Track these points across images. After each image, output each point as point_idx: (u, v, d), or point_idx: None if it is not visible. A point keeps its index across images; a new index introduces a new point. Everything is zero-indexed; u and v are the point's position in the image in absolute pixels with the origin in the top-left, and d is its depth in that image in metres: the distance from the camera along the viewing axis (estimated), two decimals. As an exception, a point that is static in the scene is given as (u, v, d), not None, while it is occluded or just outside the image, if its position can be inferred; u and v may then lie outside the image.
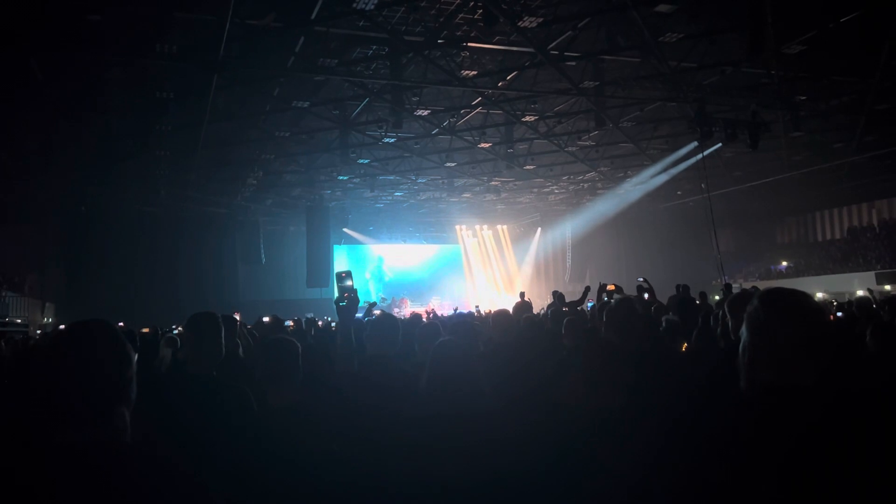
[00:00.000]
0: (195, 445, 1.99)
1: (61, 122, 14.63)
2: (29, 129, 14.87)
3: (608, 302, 3.84)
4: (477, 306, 22.26)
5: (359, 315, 6.65)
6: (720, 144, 17.05)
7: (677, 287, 10.00)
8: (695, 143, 17.23)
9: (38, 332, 18.25)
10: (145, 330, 8.36)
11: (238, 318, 6.20)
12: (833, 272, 26.71)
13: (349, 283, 3.08)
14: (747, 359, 1.71)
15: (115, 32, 10.70)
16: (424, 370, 2.59)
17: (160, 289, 23.67)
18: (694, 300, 9.48)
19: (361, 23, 11.59)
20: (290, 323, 10.00)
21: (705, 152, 16.76)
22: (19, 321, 19.44)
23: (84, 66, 11.90)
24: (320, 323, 11.93)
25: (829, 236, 31.04)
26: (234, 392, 2.73)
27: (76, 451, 1.40)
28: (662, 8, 11.09)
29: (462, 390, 2.43)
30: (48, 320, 22.89)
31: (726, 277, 17.98)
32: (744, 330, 1.74)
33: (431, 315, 13.75)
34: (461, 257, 34.77)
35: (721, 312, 4.04)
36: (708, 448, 1.68)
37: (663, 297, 8.66)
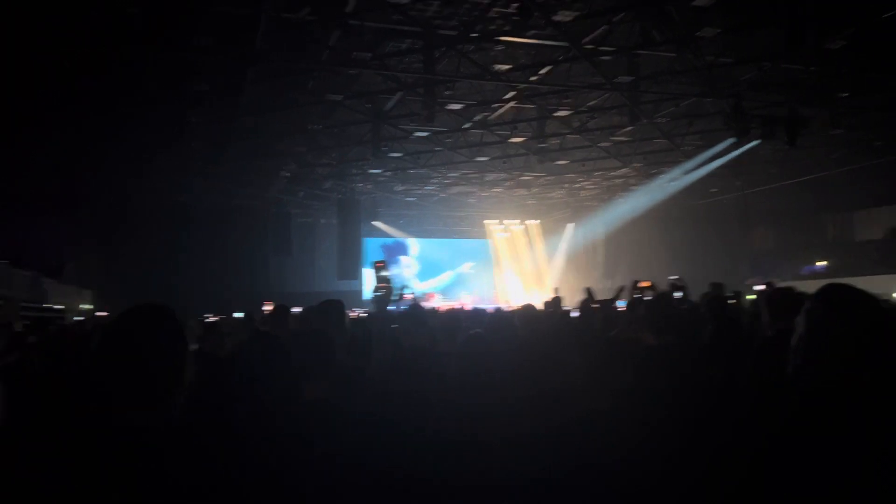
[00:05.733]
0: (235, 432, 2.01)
1: (98, 114, 14.93)
2: (67, 120, 15.17)
3: (640, 298, 3.81)
4: (507, 301, 22.21)
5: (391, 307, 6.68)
6: (757, 141, 16.77)
7: (711, 285, 9.85)
8: (731, 140, 16.96)
9: (77, 318, 18.64)
10: None
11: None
12: (872, 273, 26.07)
13: (384, 273, 3.09)
14: (801, 355, 1.64)
15: (152, 25, 10.86)
16: (453, 362, 2.59)
17: (193, 278, 24.01)
18: (726, 299, 9.35)
19: (395, 16, 11.60)
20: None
21: (742, 149, 16.49)
22: (58, 307, 19.89)
23: (121, 59, 12.09)
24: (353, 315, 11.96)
25: (868, 236, 30.31)
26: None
27: (133, 433, 1.43)
28: (699, 2, 10.92)
29: (488, 384, 2.43)
30: (86, 307, 23.39)
31: (762, 276, 17.69)
32: (800, 323, 1.66)
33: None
34: (490, 252, 34.65)
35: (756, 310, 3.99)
36: (750, 446, 1.64)
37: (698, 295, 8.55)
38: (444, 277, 33.06)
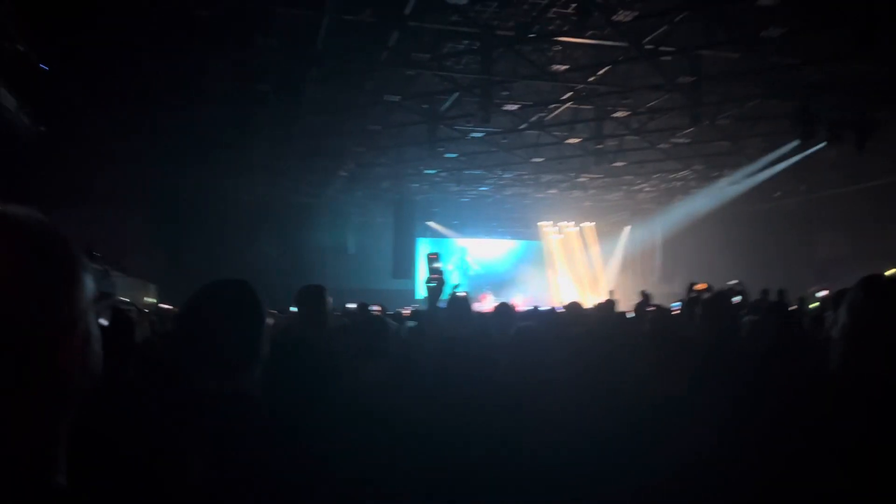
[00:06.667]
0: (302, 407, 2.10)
1: (165, 112, 15.47)
2: (134, 117, 15.75)
3: (696, 298, 3.79)
4: (561, 303, 22.05)
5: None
6: (824, 144, 16.26)
7: (762, 292, 9.62)
8: (796, 142, 16.49)
9: (146, 310, 19.29)
10: None
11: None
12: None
13: (437, 264, 3.16)
14: (843, 345, 1.61)
15: (220, 25, 11.20)
16: (502, 352, 2.64)
17: (252, 273, 24.43)
18: (787, 305, 9.13)
19: (454, 17, 11.68)
20: (377, 308, 10.28)
21: (807, 152, 16.02)
22: (124, 300, 20.60)
23: (189, 58, 12.50)
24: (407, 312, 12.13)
25: (940, 244, 28.99)
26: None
27: (216, 400, 1.51)
28: (764, 1, 10.67)
29: (537, 373, 2.47)
30: (150, 300, 24.18)
31: (826, 283, 17.15)
32: (842, 314, 1.63)
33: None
34: (545, 254, 34.39)
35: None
36: (783, 441, 1.63)
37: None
38: (498, 278, 32.99)
